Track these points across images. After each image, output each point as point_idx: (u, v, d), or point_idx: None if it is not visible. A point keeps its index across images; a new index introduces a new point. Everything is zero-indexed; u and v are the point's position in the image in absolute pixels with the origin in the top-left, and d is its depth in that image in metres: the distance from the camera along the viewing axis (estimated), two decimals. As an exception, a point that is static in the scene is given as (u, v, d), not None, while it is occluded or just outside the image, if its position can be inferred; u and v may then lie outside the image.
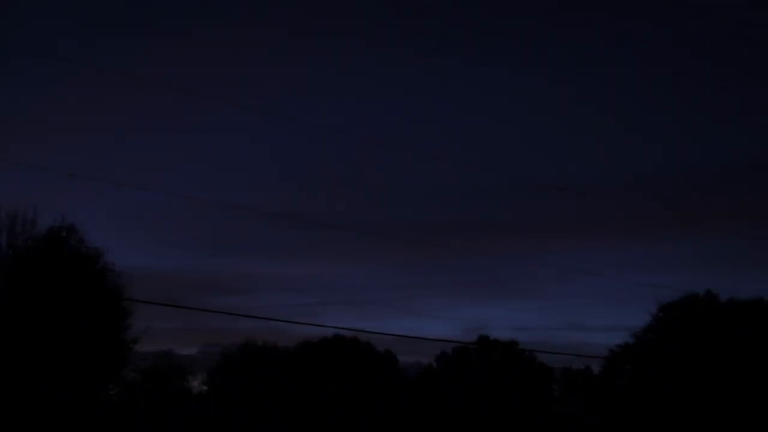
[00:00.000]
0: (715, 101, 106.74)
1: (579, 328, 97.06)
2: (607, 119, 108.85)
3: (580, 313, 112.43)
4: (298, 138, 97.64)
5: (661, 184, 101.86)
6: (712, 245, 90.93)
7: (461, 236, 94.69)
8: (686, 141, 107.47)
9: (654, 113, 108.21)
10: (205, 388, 70.81)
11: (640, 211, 76.84)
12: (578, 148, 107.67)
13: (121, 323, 40.37)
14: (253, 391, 64.63)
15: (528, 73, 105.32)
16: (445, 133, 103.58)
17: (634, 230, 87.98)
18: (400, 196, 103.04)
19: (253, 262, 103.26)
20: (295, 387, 65.12)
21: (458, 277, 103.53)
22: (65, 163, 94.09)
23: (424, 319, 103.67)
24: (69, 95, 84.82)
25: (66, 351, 35.80)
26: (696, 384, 52.17)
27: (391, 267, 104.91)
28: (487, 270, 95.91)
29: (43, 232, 38.37)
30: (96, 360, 37.77)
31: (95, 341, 37.55)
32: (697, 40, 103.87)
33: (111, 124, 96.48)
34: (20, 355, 34.84)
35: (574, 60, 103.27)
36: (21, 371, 34.76)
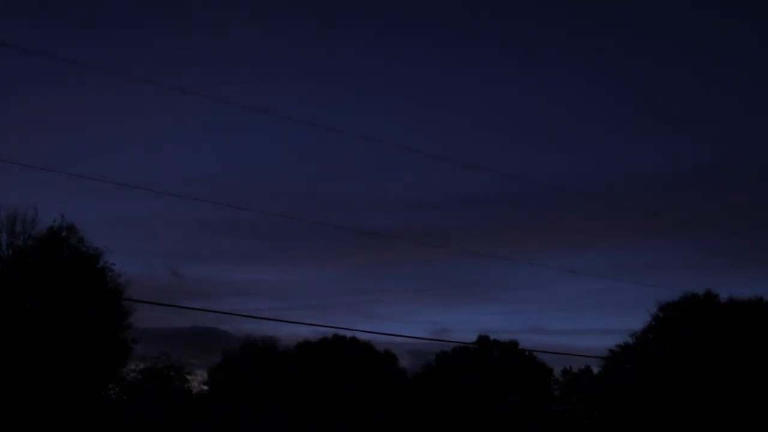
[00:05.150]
0: (715, 101, 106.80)
1: (541, 332, 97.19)
2: (606, 119, 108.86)
3: (542, 318, 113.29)
4: (270, 142, 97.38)
5: (661, 185, 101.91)
6: (712, 245, 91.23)
7: (432, 241, 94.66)
8: (685, 141, 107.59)
9: (653, 113, 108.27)
10: (205, 388, 70.74)
11: (639, 212, 76.85)
12: (573, 149, 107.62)
13: (120, 323, 40.41)
14: (253, 391, 64.57)
15: (517, 72, 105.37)
16: (420, 139, 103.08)
17: (633, 231, 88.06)
18: (374, 202, 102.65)
19: (220, 269, 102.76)
20: (295, 387, 65.07)
21: (424, 283, 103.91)
22: (66, 163, 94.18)
23: (389, 323, 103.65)
24: (69, 95, 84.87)
25: (66, 351, 35.79)
26: (696, 384, 52.12)
27: (353, 271, 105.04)
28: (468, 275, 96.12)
29: (43, 232, 38.41)
30: (96, 360, 37.79)
31: (95, 341, 37.56)
32: (695, 39, 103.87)
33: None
34: (20, 355, 34.83)
35: (566, 58, 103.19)
36: (21, 371, 34.75)
